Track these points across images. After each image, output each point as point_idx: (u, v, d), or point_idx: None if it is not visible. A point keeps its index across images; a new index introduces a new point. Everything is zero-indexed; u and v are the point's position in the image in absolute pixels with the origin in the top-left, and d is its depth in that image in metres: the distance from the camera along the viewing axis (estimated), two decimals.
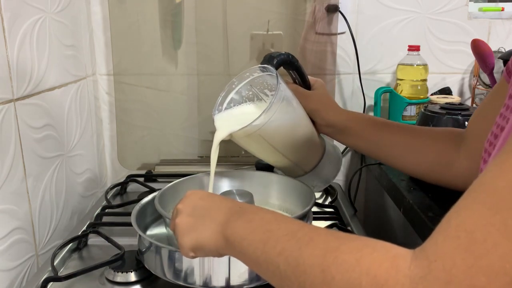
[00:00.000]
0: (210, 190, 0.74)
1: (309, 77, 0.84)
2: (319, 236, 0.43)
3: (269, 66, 0.71)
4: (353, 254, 0.38)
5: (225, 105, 0.75)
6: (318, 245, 0.42)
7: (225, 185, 0.87)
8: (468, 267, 0.32)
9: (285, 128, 0.73)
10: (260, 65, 0.73)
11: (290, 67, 0.80)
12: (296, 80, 0.84)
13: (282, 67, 0.78)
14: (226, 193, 0.77)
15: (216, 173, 0.88)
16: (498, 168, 0.35)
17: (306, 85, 0.84)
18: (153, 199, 0.78)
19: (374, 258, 0.37)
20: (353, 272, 0.37)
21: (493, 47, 1.16)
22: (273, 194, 0.85)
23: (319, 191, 0.88)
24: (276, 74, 0.69)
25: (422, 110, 1.01)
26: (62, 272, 0.77)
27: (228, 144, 1.23)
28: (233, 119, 0.73)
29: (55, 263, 0.76)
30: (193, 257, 0.57)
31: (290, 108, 0.72)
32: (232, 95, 0.75)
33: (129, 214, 0.77)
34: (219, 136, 0.70)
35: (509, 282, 0.32)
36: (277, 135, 0.72)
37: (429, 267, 0.34)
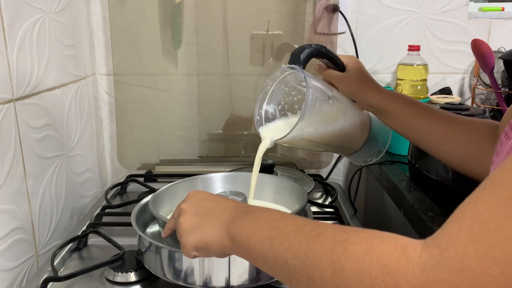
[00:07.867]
0: (251, 198, 0.74)
1: (341, 55, 0.80)
2: (326, 230, 0.43)
3: (295, 66, 0.69)
4: (362, 245, 0.39)
5: (263, 110, 0.73)
6: (326, 238, 0.42)
7: (219, 186, 0.87)
8: (480, 257, 0.32)
9: (326, 124, 0.72)
10: (288, 65, 0.70)
11: (319, 57, 0.77)
12: (329, 65, 0.80)
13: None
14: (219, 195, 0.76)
15: (211, 175, 0.88)
16: None
17: (340, 67, 0.80)
18: None
19: (384, 248, 0.37)
20: (363, 262, 0.37)
21: (493, 47, 1.16)
22: (266, 194, 0.85)
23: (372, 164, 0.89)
24: (305, 77, 0.66)
25: None
26: (62, 272, 0.78)
27: (228, 144, 1.24)
28: (277, 129, 0.73)
29: (55, 263, 0.76)
30: (195, 257, 0.56)
31: (325, 106, 0.71)
32: (265, 105, 0.74)
33: (129, 214, 0.77)
34: (262, 147, 0.71)
35: None
36: (319, 133, 0.72)
37: (440, 255, 0.34)
